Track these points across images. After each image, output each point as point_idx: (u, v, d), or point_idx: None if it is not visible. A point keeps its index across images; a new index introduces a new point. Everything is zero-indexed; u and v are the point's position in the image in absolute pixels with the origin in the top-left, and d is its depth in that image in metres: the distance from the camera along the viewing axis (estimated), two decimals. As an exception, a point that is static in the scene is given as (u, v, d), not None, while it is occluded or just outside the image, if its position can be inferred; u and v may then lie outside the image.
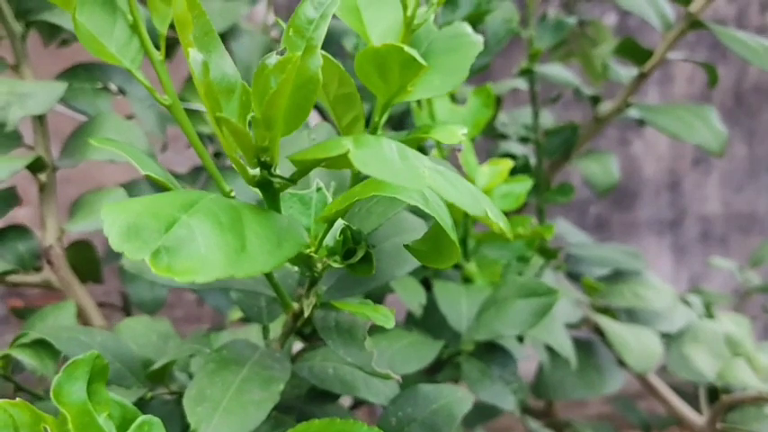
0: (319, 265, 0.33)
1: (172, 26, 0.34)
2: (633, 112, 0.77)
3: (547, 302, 0.49)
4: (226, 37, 0.74)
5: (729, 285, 1.45)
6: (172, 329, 0.49)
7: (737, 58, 0.70)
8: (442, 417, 0.41)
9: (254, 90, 0.25)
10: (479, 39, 0.39)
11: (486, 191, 0.56)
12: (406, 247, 0.31)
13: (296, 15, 0.26)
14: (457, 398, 0.41)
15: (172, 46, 0.66)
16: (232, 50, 0.72)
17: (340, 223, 0.32)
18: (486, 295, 0.54)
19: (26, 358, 0.43)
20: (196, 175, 0.68)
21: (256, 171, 0.25)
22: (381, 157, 0.23)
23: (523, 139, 0.79)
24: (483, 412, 0.89)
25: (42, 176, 0.53)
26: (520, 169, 0.75)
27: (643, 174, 1.49)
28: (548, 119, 0.88)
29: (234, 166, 0.26)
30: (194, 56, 0.24)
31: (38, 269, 0.53)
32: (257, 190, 0.27)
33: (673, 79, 1.44)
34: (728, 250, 1.51)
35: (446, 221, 0.26)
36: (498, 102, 0.82)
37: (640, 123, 0.77)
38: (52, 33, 0.62)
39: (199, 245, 0.22)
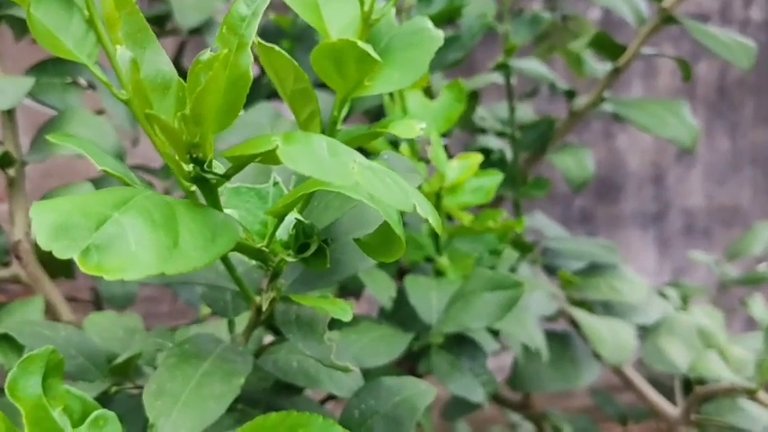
0: (275, 259, 0.33)
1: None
2: (607, 107, 0.77)
3: (513, 295, 0.49)
4: (201, 31, 0.74)
5: (713, 278, 1.46)
6: (140, 324, 0.49)
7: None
8: (404, 409, 0.41)
9: (188, 86, 0.25)
10: (439, 34, 0.39)
11: (456, 185, 0.57)
12: (356, 240, 0.32)
13: (230, 13, 0.27)
14: (419, 390, 0.42)
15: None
16: (207, 44, 0.72)
17: (292, 217, 0.32)
18: (456, 288, 0.54)
19: (-8, 353, 0.43)
20: (170, 170, 0.67)
21: (190, 167, 0.25)
22: (310, 153, 0.23)
23: (500, 134, 0.79)
24: (465, 405, 0.89)
25: (11, 171, 0.53)
26: (496, 163, 0.76)
27: (627, 167, 1.49)
28: (527, 113, 0.88)
29: (168, 162, 0.26)
30: (121, 53, 0.24)
31: (6, 264, 0.53)
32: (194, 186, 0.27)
33: (657, 73, 1.44)
34: (712, 243, 1.51)
35: (392, 216, 0.27)
36: (476, 96, 0.82)
37: (615, 118, 0.78)
38: (24, 28, 0.62)
39: (129, 242, 0.22)
